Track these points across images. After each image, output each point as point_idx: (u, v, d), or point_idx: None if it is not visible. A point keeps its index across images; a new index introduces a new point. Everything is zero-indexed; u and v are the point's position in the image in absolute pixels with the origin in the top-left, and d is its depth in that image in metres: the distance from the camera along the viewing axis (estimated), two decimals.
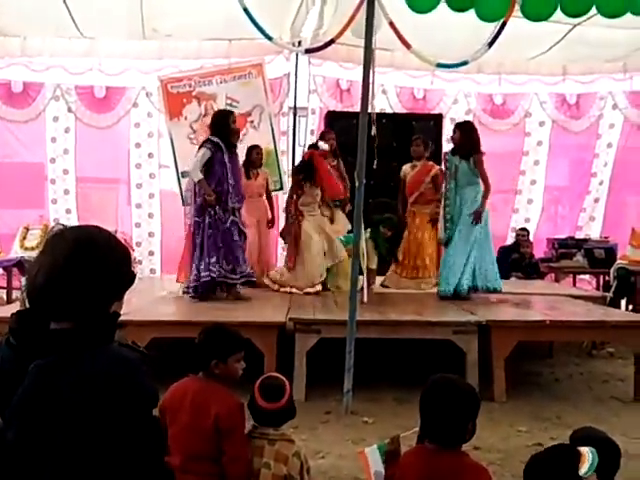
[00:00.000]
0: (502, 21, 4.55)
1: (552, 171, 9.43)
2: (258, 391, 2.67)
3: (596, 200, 9.30)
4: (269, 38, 4.53)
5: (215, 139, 5.87)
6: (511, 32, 5.23)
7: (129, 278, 1.60)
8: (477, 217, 6.02)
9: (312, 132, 8.97)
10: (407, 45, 4.52)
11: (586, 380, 5.71)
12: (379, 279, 6.97)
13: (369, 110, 4.42)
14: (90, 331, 1.48)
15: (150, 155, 8.79)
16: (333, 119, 8.51)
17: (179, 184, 8.32)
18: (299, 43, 7.93)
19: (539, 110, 9.26)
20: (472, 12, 4.60)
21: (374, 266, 6.57)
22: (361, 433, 4.30)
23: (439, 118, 8.73)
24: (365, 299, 5.37)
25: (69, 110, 8.55)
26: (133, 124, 8.72)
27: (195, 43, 8.27)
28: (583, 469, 2.04)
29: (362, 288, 5.40)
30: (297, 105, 8.79)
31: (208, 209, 5.80)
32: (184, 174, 8.33)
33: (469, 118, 9.11)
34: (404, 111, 9.02)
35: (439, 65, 5.00)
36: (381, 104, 8.69)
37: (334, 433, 4.30)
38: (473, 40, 7.31)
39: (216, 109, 8.31)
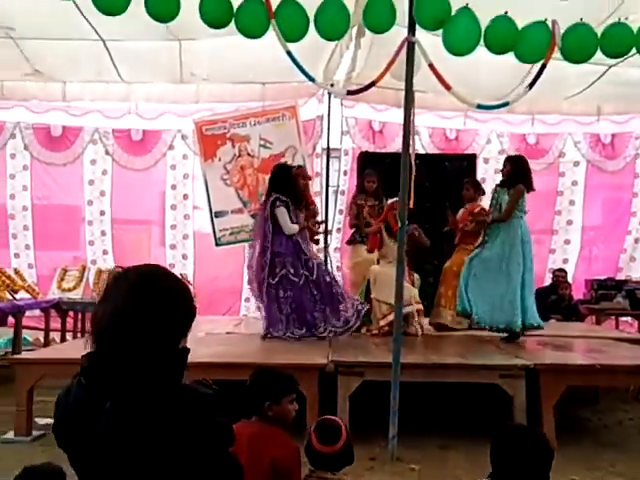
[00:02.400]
0: (542, 63, 4.53)
1: (589, 211, 9.31)
2: (314, 433, 2.62)
3: (637, 240, 9.12)
4: (312, 79, 4.58)
5: (282, 197, 5.98)
6: (544, 72, 5.24)
7: (192, 312, 1.59)
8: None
9: (345, 173, 9.01)
10: (447, 86, 4.52)
11: (637, 426, 5.51)
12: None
13: (411, 151, 4.40)
14: (162, 369, 1.47)
15: (185, 196, 8.88)
16: (366, 160, 8.52)
17: (212, 225, 8.38)
18: (331, 85, 8.04)
19: (573, 150, 9.19)
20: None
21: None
22: None
23: (472, 158, 8.71)
24: (419, 335, 5.31)
25: (106, 153, 8.70)
26: (169, 166, 8.83)
27: (230, 86, 8.39)
28: None
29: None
30: (330, 146, 8.85)
31: (282, 271, 5.89)
32: (217, 214, 8.43)
33: (502, 158, 9.10)
34: (437, 151, 9.02)
35: (479, 106, 4.98)
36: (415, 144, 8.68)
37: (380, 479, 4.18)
38: (506, 80, 7.43)
39: (249, 150, 8.46)
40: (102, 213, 8.80)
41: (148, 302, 1.49)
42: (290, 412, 2.69)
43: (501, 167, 6.51)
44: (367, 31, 6.06)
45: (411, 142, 4.36)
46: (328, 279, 6.08)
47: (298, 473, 2.58)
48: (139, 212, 9.17)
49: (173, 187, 8.90)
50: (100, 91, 8.26)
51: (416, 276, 6.56)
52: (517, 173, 6.17)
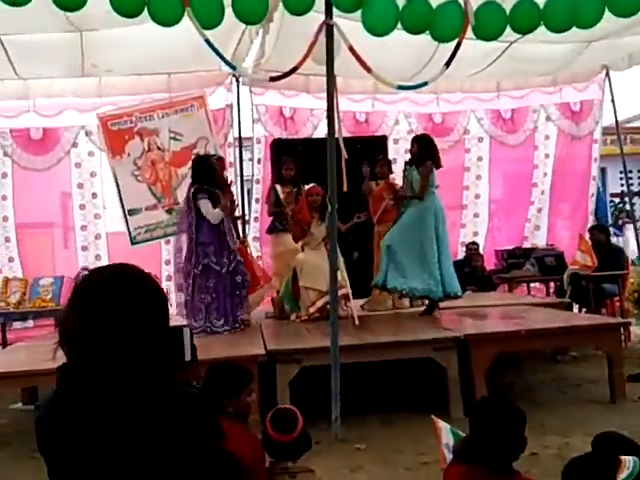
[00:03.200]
0: (457, 41, 4.66)
1: (494, 185, 9.71)
2: (269, 423, 2.60)
3: (539, 210, 9.60)
4: (233, 67, 4.53)
5: (204, 186, 5.93)
6: (447, 52, 5.37)
7: (165, 307, 1.53)
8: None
9: (259, 161, 8.94)
10: (368, 69, 4.56)
11: (559, 385, 5.83)
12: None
13: (337, 135, 4.42)
14: (142, 370, 1.41)
15: (94, 195, 8.53)
16: (279, 147, 8.49)
17: (127, 223, 8.10)
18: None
19: (477, 126, 9.53)
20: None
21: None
22: (355, 460, 4.24)
23: (383, 139, 8.85)
24: (357, 322, 5.41)
25: (5, 154, 8.22)
26: (74, 164, 8.45)
27: (134, 78, 8.10)
28: (621, 476, 2.05)
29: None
30: (242, 135, 8.75)
31: (205, 260, 5.86)
32: (131, 212, 8.16)
33: (410, 138, 9.32)
34: (348, 135, 9.08)
35: (400, 87, 5.07)
36: (326, 130, 8.71)
37: (328, 462, 4.19)
38: (409, 60, 7.59)
39: (159, 143, 8.23)
40: (5, 219, 8.32)
41: (117, 301, 1.42)
42: (249, 405, 2.67)
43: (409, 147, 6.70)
44: (275, 16, 6.07)
45: (337, 126, 4.36)
46: (240, 279, 6.09)
47: (263, 466, 2.57)
48: (45, 215, 8.73)
49: (80, 186, 8.52)
50: None
51: (341, 259, 6.62)
52: (424, 151, 6.44)
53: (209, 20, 4.22)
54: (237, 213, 7.11)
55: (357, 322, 5.65)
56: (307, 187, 6.78)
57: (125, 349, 1.39)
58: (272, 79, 5.08)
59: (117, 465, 1.36)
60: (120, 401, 1.37)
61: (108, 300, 1.42)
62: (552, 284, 8.99)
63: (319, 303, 6.11)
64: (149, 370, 1.42)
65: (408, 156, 7.47)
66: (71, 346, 1.43)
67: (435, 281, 6.18)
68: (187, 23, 4.41)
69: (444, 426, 2.50)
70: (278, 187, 7.13)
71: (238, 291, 6.07)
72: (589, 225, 9.22)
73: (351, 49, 4.46)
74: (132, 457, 1.35)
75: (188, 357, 1.56)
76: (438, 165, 6.45)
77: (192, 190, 5.93)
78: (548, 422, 4.74)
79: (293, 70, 4.51)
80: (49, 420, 1.44)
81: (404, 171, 6.63)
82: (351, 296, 6.16)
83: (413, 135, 9.24)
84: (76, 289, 1.51)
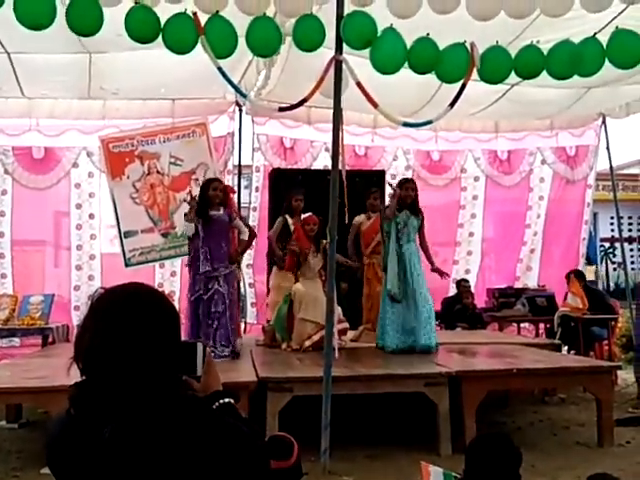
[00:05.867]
0: (462, 83, 4.76)
1: (488, 224, 9.80)
2: None
3: (532, 251, 9.68)
4: (244, 96, 4.60)
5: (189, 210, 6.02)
6: (447, 92, 5.47)
7: (177, 321, 1.56)
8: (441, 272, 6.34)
9: (257, 189, 9.01)
10: (374, 104, 4.65)
11: (548, 427, 5.82)
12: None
13: (340, 167, 4.49)
14: (161, 381, 1.44)
15: (91, 216, 8.54)
16: (277, 177, 8.57)
17: (122, 245, 8.14)
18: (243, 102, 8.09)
19: (474, 166, 9.66)
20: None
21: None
22: None
23: (382, 174, 8.94)
24: (337, 355, 5.35)
25: (6, 172, 8.24)
26: (74, 184, 8.48)
27: (138, 102, 8.20)
28: None
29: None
30: (241, 163, 8.83)
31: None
32: (127, 234, 8.19)
33: (409, 174, 9.44)
34: (347, 167, 9.15)
35: (405, 124, 5.16)
36: (325, 161, 8.85)
37: None
38: (411, 99, 7.72)
39: (159, 167, 8.30)
40: (1, 235, 8.32)
41: (133, 319, 1.45)
42: None
43: (408, 189, 6.51)
44: (282, 48, 6.19)
45: (341, 158, 4.44)
46: (212, 309, 5.79)
47: None
48: (38, 232, 8.73)
49: (78, 206, 8.55)
50: None
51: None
52: (417, 197, 6.53)
53: (222, 49, 4.30)
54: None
55: (337, 355, 5.59)
56: (303, 216, 6.82)
57: (140, 365, 1.42)
58: (281, 109, 5.14)
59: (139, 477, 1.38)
60: (135, 419, 1.38)
61: (124, 317, 1.45)
62: (542, 325, 9.04)
63: (316, 337, 6.10)
64: (162, 385, 1.44)
65: None
66: (86, 362, 1.45)
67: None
68: (194, 50, 4.50)
69: (435, 470, 2.41)
70: (288, 218, 7.11)
71: (210, 321, 5.77)
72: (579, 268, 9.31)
73: (359, 84, 4.55)
74: (150, 475, 1.37)
75: (200, 372, 1.59)
76: None
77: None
78: (537, 463, 4.72)
79: (302, 102, 4.59)
80: (63, 440, 1.44)
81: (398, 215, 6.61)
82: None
83: (410, 171, 9.44)
84: (92, 307, 1.53)
